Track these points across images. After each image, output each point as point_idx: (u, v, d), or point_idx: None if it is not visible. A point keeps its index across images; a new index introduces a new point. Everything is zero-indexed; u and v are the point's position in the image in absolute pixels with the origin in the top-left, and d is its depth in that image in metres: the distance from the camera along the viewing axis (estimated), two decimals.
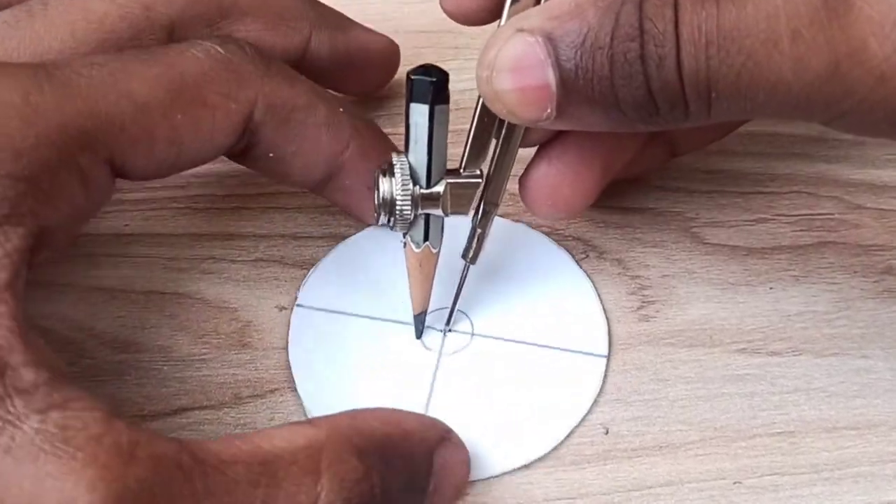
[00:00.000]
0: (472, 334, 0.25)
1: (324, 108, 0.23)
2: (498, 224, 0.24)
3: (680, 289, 0.26)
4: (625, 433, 0.24)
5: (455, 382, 0.24)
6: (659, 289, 0.26)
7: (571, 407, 0.23)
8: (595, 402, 0.24)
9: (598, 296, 0.25)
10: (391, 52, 0.28)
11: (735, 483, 0.23)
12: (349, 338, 0.25)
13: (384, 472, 0.19)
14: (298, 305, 0.25)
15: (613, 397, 0.24)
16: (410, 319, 0.25)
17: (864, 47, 0.16)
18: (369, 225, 0.26)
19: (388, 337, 0.25)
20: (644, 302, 0.26)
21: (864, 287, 0.26)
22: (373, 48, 0.28)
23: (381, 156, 0.24)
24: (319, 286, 0.26)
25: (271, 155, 0.23)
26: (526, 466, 0.23)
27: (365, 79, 0.28)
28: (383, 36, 0.28)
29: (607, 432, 0.23)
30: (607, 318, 0.25)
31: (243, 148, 0.23)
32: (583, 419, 0.23)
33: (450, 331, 0.25)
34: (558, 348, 0.24)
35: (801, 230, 0.27)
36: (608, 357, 0.24)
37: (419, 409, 0.23)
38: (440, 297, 0.25)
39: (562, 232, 0.27)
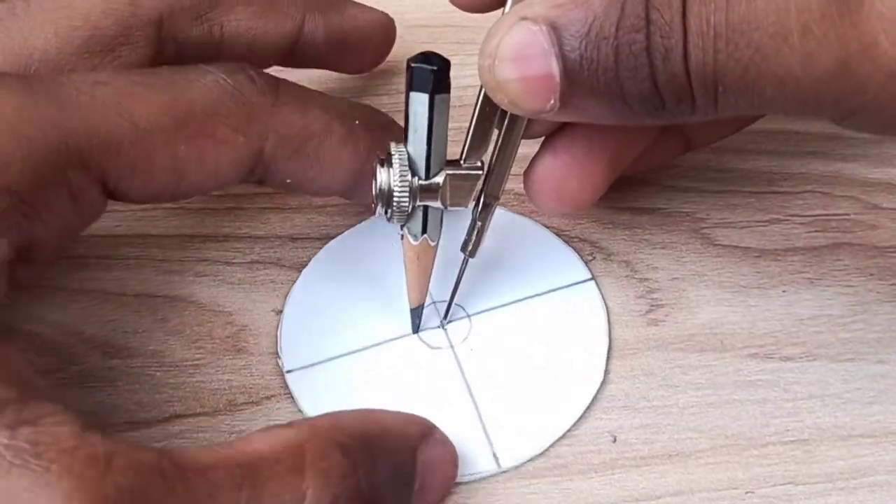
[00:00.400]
0: (469, 316, 0.25)
1: (338, 129, 0.23)
2: (500, 216, 0.24)
3: (690, 292, 0.26)
4: (633, 441, 0.24)
5: (484, 365, 0.24)
6: (668, 292, 0.26)
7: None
8: (596, 399, 0.24)
9: (604, 301, 0.25)
10: (387, 28, 0.29)
11: (747, 493, 0.23)
12: (353, 378, 0.24)
13: (369, 468, 0.19)
14: (287, 372, 0.24)
15: (621, 404, 0.24)
16: (401, 332, 0.25)
17: (875, 44, 0.16)
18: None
19: (390, 352, 0.25)
20: (653, 305, 0.26)
21: (880, 290, 0.26)
22: (368, 25, 0.28)
23: None
24: (306, 298, 0.26)
25: (289, 181, 0.23)
26: (532, 476, 0.23)
27: (362, 57, 0.28)
28: (377, 11, 0.28)
29: (615, 440, 0.23)
30: (609, 322, 0.25)
31: (258, 178, 0.23)
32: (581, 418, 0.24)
33: (448, 322, 0.25)
34: (546, 292, 0.25)
35: (816, 231, 0.27)
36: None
37: (469, 408, 0.24)
38: (465, 293, 0.25)
39: (568, 232, 0.27)
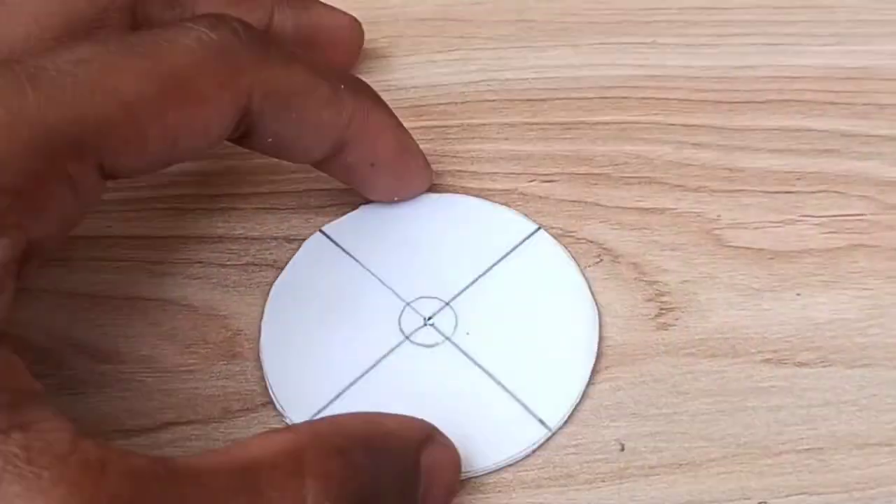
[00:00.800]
0: (447, 303, 0.25)
1: (324, 89, 0.23)
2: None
3: (701, 295, 0.26)
4: (642, 450, 0.23)
5: (487, 343, 0.25)
6: (678, 295, 0.26)
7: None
8: (603, 406, 0.24)
9: (557, 243, 0.26)
10: (353, 30, 0.29)
11: (760, 503, 0.23)
12: (326, 349, 0.25)
13: (371, 472, 0.19)
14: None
15: (630, 411, 0.24)
16: (391, 344, 0.25)
17: None
18: (372, 201, 0.27)
19: (391, 367, 0.25)
20: (662, 309, 0.26)
21: None
22: (336, 26, 0.28)
23: (385, 132, 0.24)
24: (290, 291, 0.26)
25: (270, 140, 0.23)
26: (537, 486, 0.23)
27: (327, 59, 0.28)
28: (346, 14, 0.28)
29: (623, 449, 0.23)
30: (575, 261, 0.26)
31: (241, 134, 0.23)
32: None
33: (432, 325, 0.25)
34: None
35: (831, 232, 0.27)
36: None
37: (495, 388, 0.24)
38: (431, 285, 0.25)
39: (574, 234, 0.27)
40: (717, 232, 0.27)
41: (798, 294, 0.26)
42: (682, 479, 0.23)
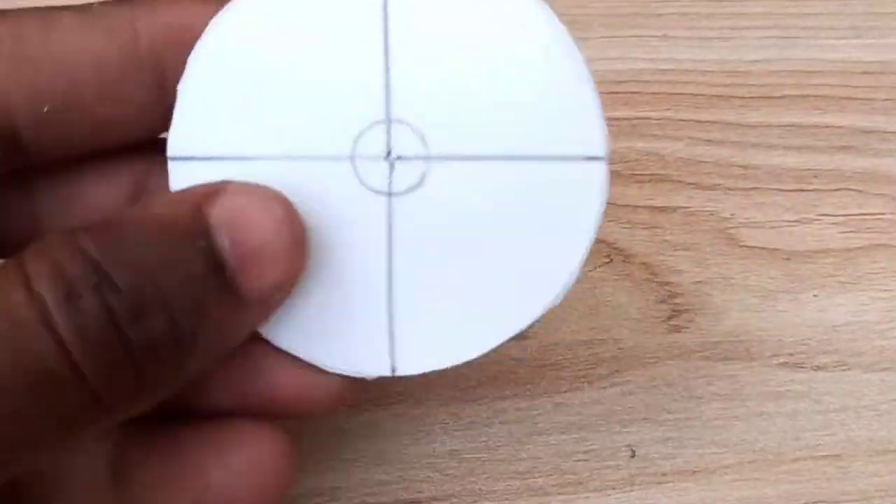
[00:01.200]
0: (427, 157, 0.19)
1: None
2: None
3: (714, 296, 0.26)
4: (653, 456, 0.24)
5: (423, 235, 0.19)
6: (691, 296, 0.26)
7: (567, 249, 0.19)
8: (613, 411, 0.24)
9: (592, 83, 0.19)
10: None
11: None
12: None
13: (116, 249, 0.16)
14: (171, 158, 0.19)
15: (641, 416, 0.24)
16: (336, 151, 0.19)
17: None
18: None
19: (308, 174, 0.19)
20: (675, 311, 0.26)
21: None
22: None
23: None
24: (197, 124, 0.19)
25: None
26: (545, 493, 0.23)
27: None
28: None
29: (633, 455, 0.24)
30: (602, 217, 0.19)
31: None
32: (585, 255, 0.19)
33: (397, 158, 0.19)
34: (540, 157, 0.19)
35: (850, 232, 0.28)
36: (607, 160, 0.19)
37: (379, 291, 0.19)
38: (358, 101, 0.19)
39: None
40: (731, 231, 0.28)
41: (815, 295, 0.26)
42: (694, 487, 0.23)
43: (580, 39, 0.19)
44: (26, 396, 0.15)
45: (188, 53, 0.18)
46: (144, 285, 0.16)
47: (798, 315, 0.26)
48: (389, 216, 0.19)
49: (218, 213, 0.16)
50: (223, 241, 0.16)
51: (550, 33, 0.19)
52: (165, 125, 0.18)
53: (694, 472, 0.24)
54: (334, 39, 0.19)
